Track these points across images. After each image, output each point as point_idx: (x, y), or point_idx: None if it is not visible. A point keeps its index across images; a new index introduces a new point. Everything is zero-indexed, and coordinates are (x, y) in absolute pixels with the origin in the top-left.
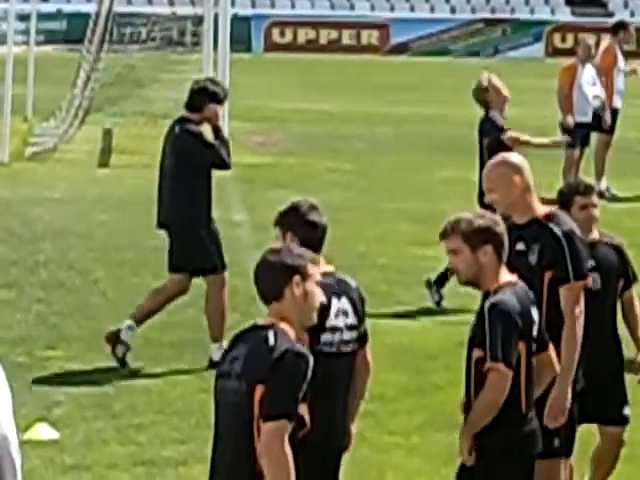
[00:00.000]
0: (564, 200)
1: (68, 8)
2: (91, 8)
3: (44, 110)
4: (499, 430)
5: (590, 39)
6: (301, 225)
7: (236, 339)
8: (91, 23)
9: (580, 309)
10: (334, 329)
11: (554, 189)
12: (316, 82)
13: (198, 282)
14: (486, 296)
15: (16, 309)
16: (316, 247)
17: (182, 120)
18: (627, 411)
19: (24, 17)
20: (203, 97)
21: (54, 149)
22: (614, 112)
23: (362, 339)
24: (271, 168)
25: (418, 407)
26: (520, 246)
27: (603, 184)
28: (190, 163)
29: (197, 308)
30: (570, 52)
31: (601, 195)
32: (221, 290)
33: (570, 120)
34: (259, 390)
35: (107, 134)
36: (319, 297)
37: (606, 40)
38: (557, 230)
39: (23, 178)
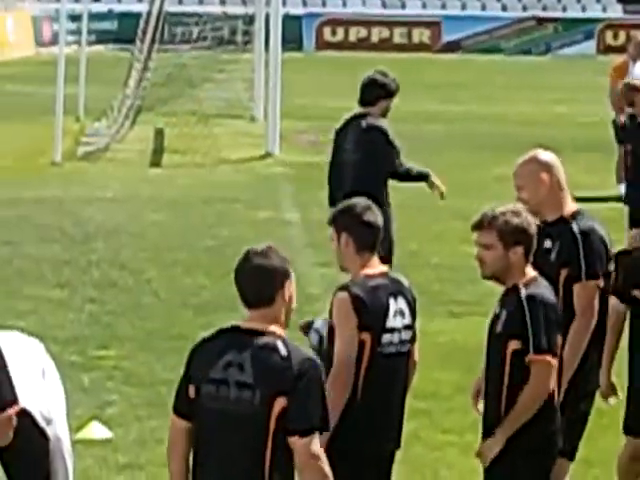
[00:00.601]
0: None
1: (119, 8)
2: (142, 8)
3: (96, 110)
4: (534, 425)
5: None
6: (356, 225)
7: (220, 344)
8: (142, 23)
9: (592, 311)
10: (393, 330)
11: (607, 186)
12: None
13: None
14: (512, 289)
15: (69, 309)
16: (371, 247)
17: (363, 116)
18: None
19: (75, 17)
20: (374, 90)
21: (106, 149)
22: None
23: (412, 338)
24: (323, 167)
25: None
26: (547, 244)
27: None
28: (374, 157)
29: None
30: (622, 49)
31: None
32: None
33: (622, 118)
34: (280, 402)
35: (159, 134)
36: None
37: None
38: (575, 228)
39: (75, 178)
